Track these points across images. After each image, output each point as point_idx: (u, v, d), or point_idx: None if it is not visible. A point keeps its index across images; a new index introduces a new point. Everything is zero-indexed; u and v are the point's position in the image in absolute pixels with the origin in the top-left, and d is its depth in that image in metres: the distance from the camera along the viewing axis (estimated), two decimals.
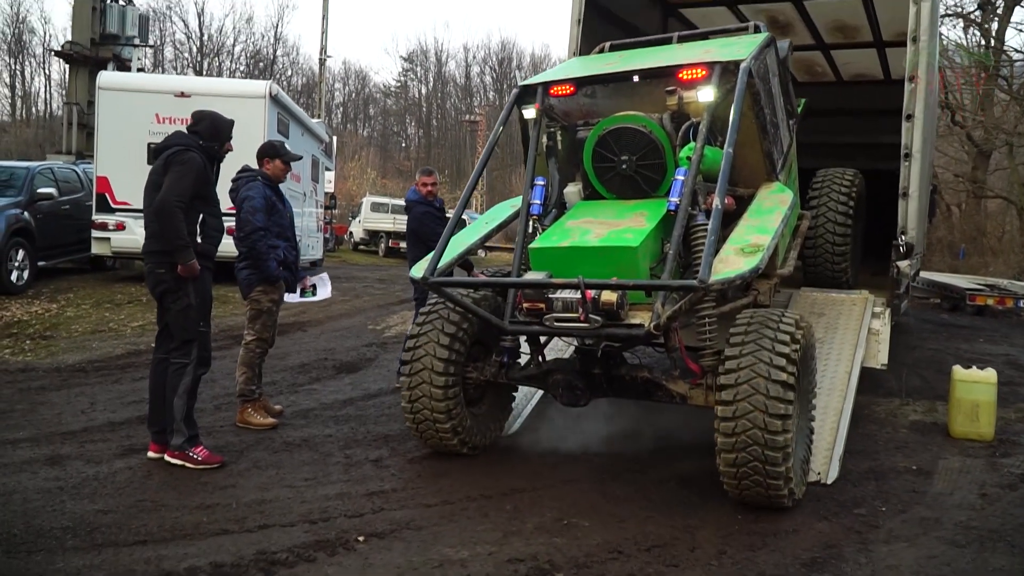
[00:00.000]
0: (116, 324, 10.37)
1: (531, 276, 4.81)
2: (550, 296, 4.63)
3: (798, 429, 4.61)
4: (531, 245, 5.04)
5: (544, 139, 5.52)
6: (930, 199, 10.03)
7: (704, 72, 4.91)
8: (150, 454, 5.28)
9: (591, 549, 4.01)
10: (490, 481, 5.04)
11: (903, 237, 6.63)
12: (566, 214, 5.35)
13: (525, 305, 4.79)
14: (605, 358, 5.16)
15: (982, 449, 6.06)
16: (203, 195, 5.21)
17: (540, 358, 5.41)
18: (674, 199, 4.77)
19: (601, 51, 6.26)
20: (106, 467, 5.09)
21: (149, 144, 11.55)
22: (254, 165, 6.36)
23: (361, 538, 4.07)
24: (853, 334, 6.28)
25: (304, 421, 6.36)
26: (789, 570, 3.84)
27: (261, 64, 53.92)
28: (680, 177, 4.81)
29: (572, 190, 5.56)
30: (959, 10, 24.25)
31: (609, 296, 4.48)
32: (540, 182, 5.37)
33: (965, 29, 25.86)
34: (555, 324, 4.65)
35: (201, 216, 5.23)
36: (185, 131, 5.34)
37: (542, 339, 5.51)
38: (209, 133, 5.34)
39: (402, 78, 69.02)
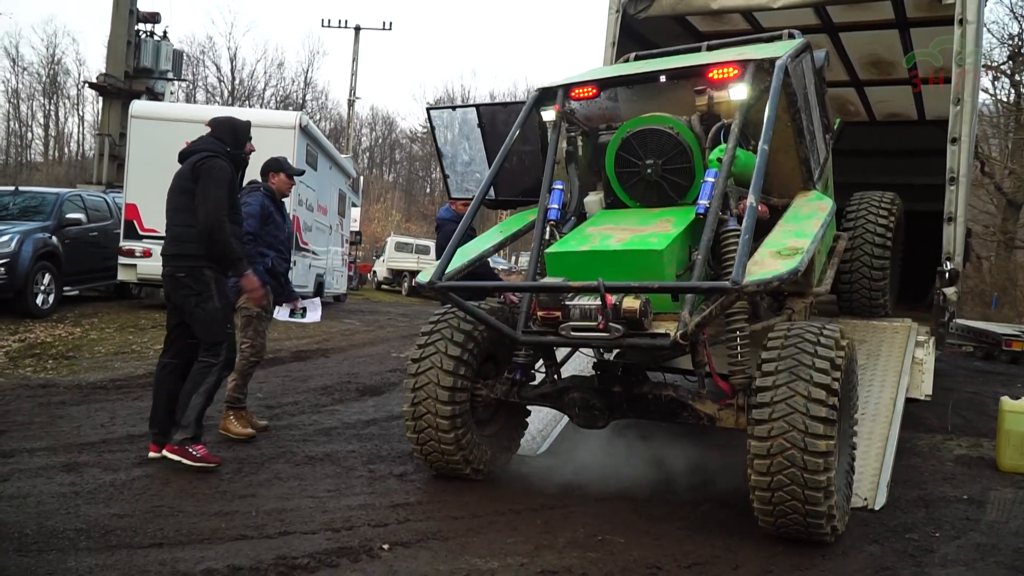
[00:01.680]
0: (139, 346, 10.30)
1: (547, 281, 4.47)
2: (567, 303, 4.25)
3: (840, 455, 4.21)
4: (548, 250, 4.70)
5: (564, 144, 5.24)
6: (965, 242, 9.80)
7: (736, 71, 4.61)
8: (151, 454, 5.27)
9: (628, 564, 3.79)
10: (519, 497, 4.83)
11: (948, 263, 6.40)
12: (586, 221, 5.03)
13: (540, 313, 4.40)
14: (626, 374, 4.78)
15: None
16: (230, 203, 5.18)
17: (556, 375, 5.03)
18: (703, 202, 4.38)
19: (627, 61, 6.04)
20: (124, 474, 4.95)
21: None
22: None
23: (386, 546, 3.87)
24: (897, 361, 6.00)
25: (326, 438, 6.18)
26: None
27: (291, 108, 54.76)
28: (710, 179, 4.42)
29: (593, 199, 5.22)
30: (988, 61, 24.19)
31: (632, 302, 4.05)
32: (559, 186, 5.05)
33: (994, 81, 25.79)
34: (572, 334, 4.23)
35: None
36: (209, 136, 5.31)
37: (559, 356, 5.19)
38: (233, 141, 5.35)
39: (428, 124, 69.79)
